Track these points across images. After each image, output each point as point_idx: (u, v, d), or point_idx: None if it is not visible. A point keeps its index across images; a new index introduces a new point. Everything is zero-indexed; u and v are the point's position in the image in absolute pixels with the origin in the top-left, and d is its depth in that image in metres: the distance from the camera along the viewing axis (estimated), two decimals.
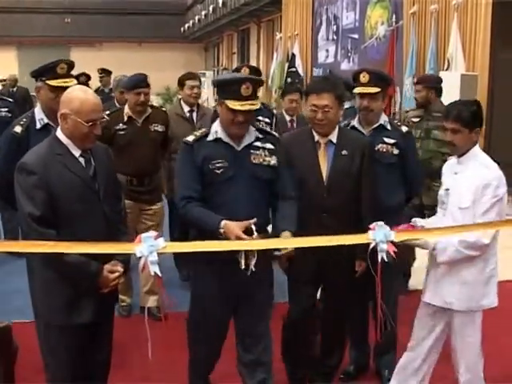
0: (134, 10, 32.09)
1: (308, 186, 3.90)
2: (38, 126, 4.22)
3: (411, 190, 4.50)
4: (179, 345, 4.71)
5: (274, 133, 3.91)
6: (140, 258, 3.00)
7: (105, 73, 11.84)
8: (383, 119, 4.34)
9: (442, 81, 5.98)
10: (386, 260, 3.21)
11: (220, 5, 23.33)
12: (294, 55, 15.35)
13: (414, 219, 3.83)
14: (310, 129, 4.02)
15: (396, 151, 4.28)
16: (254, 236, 3.32)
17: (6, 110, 7.13)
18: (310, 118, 3.95)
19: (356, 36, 13.24)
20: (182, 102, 6.16)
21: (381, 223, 3.28)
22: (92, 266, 3.19)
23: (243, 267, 3.36)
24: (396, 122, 4.50)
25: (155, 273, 2.99)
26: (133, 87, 5.18)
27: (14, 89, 12.70)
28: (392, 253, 3.21)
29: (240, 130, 3.53)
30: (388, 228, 3.23)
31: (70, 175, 3.21)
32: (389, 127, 4.33)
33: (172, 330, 5.05)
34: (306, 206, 3.81)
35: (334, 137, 3.96)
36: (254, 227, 3.33)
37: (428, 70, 9.30)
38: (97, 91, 12.35)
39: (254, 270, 3.36)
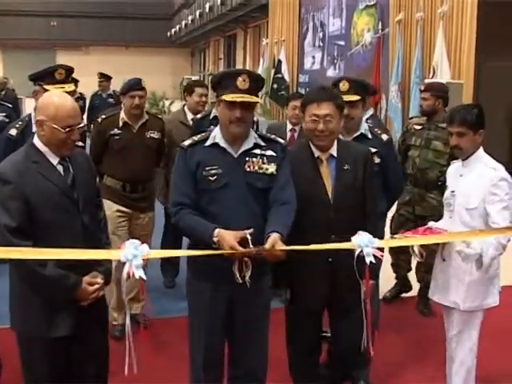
0: (121, 14, 32.11)
1: (313, 207, 3.62)
2: (34, 129, 4.20)
3: (392, 197, 4.52)
4: (164, 350, 4.70)
5: (281, 140, 3.62)
6: (124, 263, 2.98)
7: (104, 77, 11.68)
8: (364, 127, 4.31)
9: (448, 90, 5.82)
10: (374, 263, 3.23)
11: (207, 10, 23.38)
12: (280, 61, 15.38)
13: (430, 223, 3.83)
14: (307, 144, 3.76)
15: (377, 160, 4.22)
16: (248, 247, 3.14)
17: (4, 115, 7.05)
18: (309, 130, 3.67)
19: (342, 43, 13.28)
20: (186, 108, 6.05)
21: (362, 232, 3.29)
22: (70, 278, 3.06)
23: (239, 280, 3.21)
24: (376, 130, 4.45)
25: (140, 277, 2.97)
26: (127, 90, 5.08)
27: (3, 92, 12.43)
28: (379, 256, 3.22)
29: (239, 128, 3.35)
30: (370, 235, 3.26)
31: (47, 184, 3.09)
32: (369, 136, 4.30)
33: (156, 335, 5.04)
34: (311, 229, 3.58)
35: (334, 151, 3.71)
36: (249, 238, 3.14)
37: (413, 78, 9.35)
38: (94, 96, 12.04)
39: (249, 281, 3.21)
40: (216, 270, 3.27)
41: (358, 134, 4.26)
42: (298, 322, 3.81)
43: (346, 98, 4.13)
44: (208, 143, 3.41)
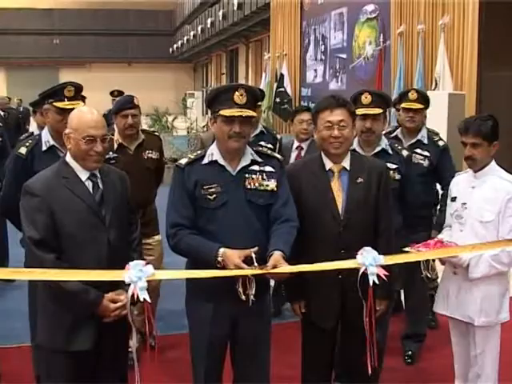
0: (123, 31, 32.24)
1: (322, 221, 3.54)
2: (44, 147, 4.19)
3: (408, 211, 4.37)
4: (168, 367, 4.67)
5: (277, 155, 3.58)
6: (129, 284, 2.95)
7: (120, 95, 10.61)
8: (384, 143, 4.27)
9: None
10: (376, 283, 3.18)
11: (208, 25, 23.45)
12: (282, 75, 15.40)
13: (439, 236, 3.79)
14: (319, 156, 3.65)
15: (398, 176, 4.20)
16: (254, 266, 3.09)
17: None
18: (323, 139, 3.56)
19: (344, 56, 13.29)
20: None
21: (368, 248, 3.24)
22: (91, 294, 3.06)
23: (243, 297, 3.14)
24: (397, 145, 4.43)
25: (144, 300, 2.94)
26: (119, 110, 4.84)
27: (6, 113, 12.17)
28: (383, 276, 3.17)
29: (238, 143, 3.29)
30: (376, 252, 3.21)
31: (74, 199, 3.12)
32: (390, 151, 4.26)
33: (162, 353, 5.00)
34: (321, 244, 3.52)
35: (346, 163, 3.60)
36: (254, 256, 3.10)
37: None
38: (108, 114, 11.50)
39: (253, 299, 3.15)
40: (217, 290, 3.24)
41: (380, 149, 4.21)
42: (311, 338, 3.76)
43: (369, 111, 4.10)
44: (205, 161, 3.36)
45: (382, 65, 10.79)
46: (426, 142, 4.97)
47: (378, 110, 4.16)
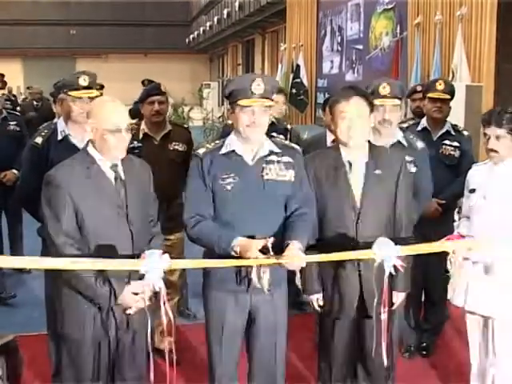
0: (140, 21, 32.26)
1: (340, 213, 3.53)
2: (60, 137, 4.21)
3: (422, 207, 4.37)
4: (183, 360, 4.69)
5: (295, 146, 3.61)
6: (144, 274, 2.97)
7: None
8: (400, 135, 4.25)
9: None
10: (393, 274, 3.19)
11: (225, 16, 23.42)
12: (298, 66, 15.33)
13: (458, 230, 3.79)
14: (337, 147, 3.65)
15: (413, 169, 4.17)
16: (270, 255, 3.10)
17: (15, 123, 7.10)
18: (340, 130, 3.57)
19: (360, 47, 13.22)
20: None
21: (384, 238, 3.24)
22: (113, 285, 3.09)
23: (258, 286, 3.19)
24: (412, 137, 4.40)
25: (160, 288, 2.97)
26: (145, 97, 4.79)
27: (40, 103, 12.06)
28: (400, 267, 3.18)
29: (255, 133, 3.32)
30: (392, 243, 3.20)
31: (96, 190, 3.13)
32: (405, 143, 4.24)
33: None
34: (339, 236, 3.51)
35: (365, 155, 3.60)
36: (270, 246, 3.11)
37: None
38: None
39: (268, 288, 3.19)
40: (233, 279, 3.26)
41: (395, 141, 4.18)
42: (329, 331, 3.76)
43: (388, 101, 4.08)
44: (223, 151, 3.37)
45: (399, 56, 10.73)
46: (453, 132, 4.95)
47: (397, 101, 4.14)
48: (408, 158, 4.09)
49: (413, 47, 10.24)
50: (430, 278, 4.88)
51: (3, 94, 7.62)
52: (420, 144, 4.35)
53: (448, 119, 5.07)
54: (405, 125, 4.89)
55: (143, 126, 4.79)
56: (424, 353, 4.99)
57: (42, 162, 3.98)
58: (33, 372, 4.31)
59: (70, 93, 4.17)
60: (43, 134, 4.31)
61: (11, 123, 7.04)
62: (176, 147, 4.84)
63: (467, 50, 8.76)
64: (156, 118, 4.74)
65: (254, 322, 3.46)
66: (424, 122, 5.02)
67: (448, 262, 3.70)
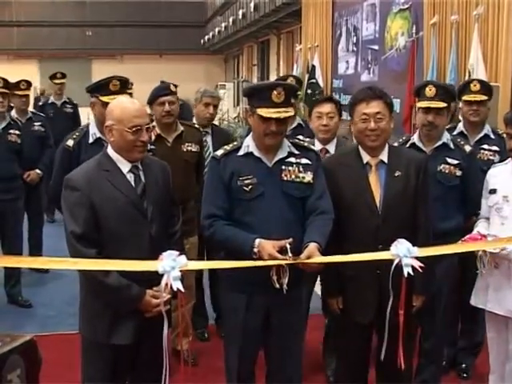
0: (155, 23, 32.26)
1: (360, 216, 3.53)
2: (91, 140, 4.29)
3: (469, 213, 4.25)
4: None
5: (314, 147, 3.61)
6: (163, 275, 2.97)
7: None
8: (446, 137, 4.16)
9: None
10: (411, 274, 3.18)
11: (240, 17, 23.38)
12: (314, 66, 15.30)
13: (477, 229, 3.73)
14: (356, 149, 3.64)
15: (459, 172, 4.09)
16: (288, 256, 3.11)
17: (39, 124, 7.23)
18: (359, 132, 3.56)
19: (376, 47, 13.18)
20: None
21: (402, 240, 3.22)
22: (133, 289, 3.10)
23: (277, 286, 3.18)
24: (459, 141, 4.31)
25: (178, 290, 2.97)
26: (155, 98, 4.78)
27: (40, 102, 11.96)
28: (418, 267, 3.16)
29: (274, 140, 3.32)
30: (410, 244, 3.18)
31: (116, 193, 3.12)
32: (452, 146, 4.15)
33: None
34: (358, 239, 3.50)
35: (384, 156, 3.58)
36: (288, 247, 3.12)
37: (449, 81, 9.22)
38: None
39: (287, 288, 3.18)
40: (252, 281, 3.26)
41: (440, 143, 4.14)
42: (347, 335, 3.75)
43: (432, 104, 4.03)
44: (241, 153, 3.39)
45: (415, 56, 10.67)
46: (492, 136, 4.72)
47: (442, 104, 4.06)
48: (453, 162, 4.05)
49: (429, 47, 10.19)
50: (467, 284, 4.34)
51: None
52: (468, 147, 4.24)
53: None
54: None
55: (156, 127, 4.76)
56: (465, 375, 4.76)
57: (73, 164, 4.03)
58: (48, 372, 4.33)
59: (101, 98, 4.23)
60: (75, 136, 4.41)
61: (36, 124, 7.19)
62: (189, 148, 4.85)
63: (484, 49, 8.71)
64: (167, 119, 4.73)
65: (271, 323, 3.46)
66: (461, 126, 4.83)
67: (478, 262, 3.60)
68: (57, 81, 10.36)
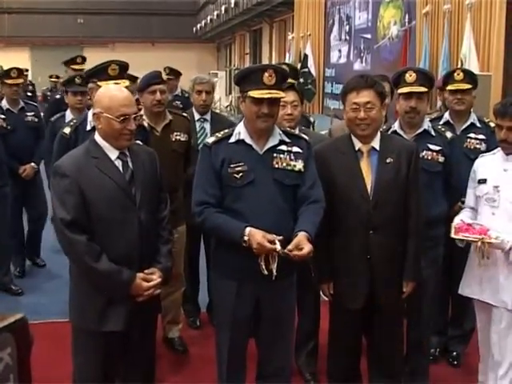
0: (147, 11, 32.13)
1: (351, 202, 3.53)
2: (89, 127, 4.22)
3: (454, 197, 4.27)
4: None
5: (305, 136, 3.56)
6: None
7: (173, 74, 9.03)
8: (427, 124, 4.16)
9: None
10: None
11: (232, 5, 23.31)
12: (306, 55, 15.30)
13: (460, 217, 3.73)
14: (348, 136, 3.64)
15: (441, 159, 4.09)
16: (278, 249, 3.11)
17: (33, 114, 6.93)
18: (350, 120, 3.56)
19: (369, 36, 13.18)
20: None
21: None
22: (124, 273, 3.10)
23: (265, 272, 3.19)
24: (440, 127, 4.31)
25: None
26: (146, 86, 4.60)
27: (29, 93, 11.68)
28: None
29: (266, 124, 3.30)
30: None
31: (104, 179, 3.12)
32: (433, 133, 4.15)
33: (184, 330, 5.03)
34: (350, 225, 3.53)
35: (376, 143, 3.59)
36: (278, 243, 3.12)
37: (441, 71, 9.24)
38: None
39: (276, 274, 3.18)
40: (241, 267, 3.26)
41: (421, 130, 4.10)
42: (339, 320, 3.77)
43: (413, 89, 3.99)
44: (232, 140, 3.37)
45: (407, 45, 10.68)
46: (479, 124, 4.70)
47: (423, 89, 4.05)
48: (435, 148, 4.04)
49: (421, 36, 10.20)
50: (455, 273, 4.35)
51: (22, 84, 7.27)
52: (449, 134, 4.23)
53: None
54: (427, 118, 4.72)
55: (143, 116, 4.56)
56: (455, 363, 4.77)
57: (70, 151, 3.98)
58: (41, 359, 4.33)
59: (99, 83, 4.12)
60: (71, 124, 4.36)
61: (28, 114, 6.86)
62: (178, 137, 4.73)
63: (476, 39, 8.72)
64: (157, 108, 4.59)
65: (262, 312, 3.46)
66: (447, 116, 4.81)
67: (477, 253, 3.59)
68: (76, 66, 8.33)
